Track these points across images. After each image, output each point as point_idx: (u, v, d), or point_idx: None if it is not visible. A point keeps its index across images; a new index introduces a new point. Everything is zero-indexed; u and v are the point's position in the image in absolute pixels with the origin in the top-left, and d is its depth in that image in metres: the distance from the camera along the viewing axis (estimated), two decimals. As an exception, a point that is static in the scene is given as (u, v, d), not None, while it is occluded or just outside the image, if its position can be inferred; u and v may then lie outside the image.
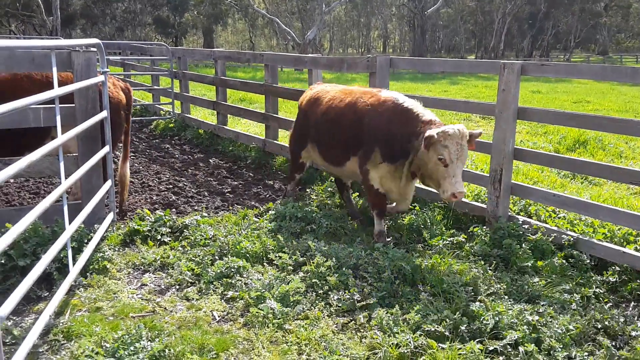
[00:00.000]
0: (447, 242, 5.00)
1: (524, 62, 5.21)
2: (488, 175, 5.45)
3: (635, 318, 3.80)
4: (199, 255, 4.65)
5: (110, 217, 5.14)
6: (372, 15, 79.40)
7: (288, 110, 14.04)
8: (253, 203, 6.65)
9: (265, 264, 4.61)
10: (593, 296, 4.10)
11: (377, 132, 5.06)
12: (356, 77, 31.58)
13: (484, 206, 5.53)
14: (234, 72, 34.37)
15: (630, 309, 3.99)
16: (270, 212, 5.82)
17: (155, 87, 12.72)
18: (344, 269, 4.34)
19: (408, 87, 23.51)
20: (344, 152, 5.45)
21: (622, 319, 3.69)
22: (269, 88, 8.29)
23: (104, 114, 4.88)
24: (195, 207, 6.43)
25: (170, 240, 5.12)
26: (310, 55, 7.68)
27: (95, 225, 4.82)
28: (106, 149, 4.96)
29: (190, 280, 4.35)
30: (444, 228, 5.38)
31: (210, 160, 8.98)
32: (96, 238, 4.51)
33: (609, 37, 76.52)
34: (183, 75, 11.04)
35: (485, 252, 4.78)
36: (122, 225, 5.37)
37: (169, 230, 5.29)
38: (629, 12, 73.85)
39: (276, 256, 4.63)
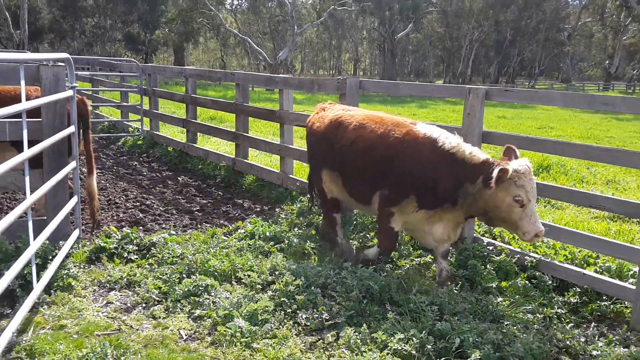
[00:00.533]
0: (415, 262, 5.08)
1: (488, 87, 5.38)
2: (455, 197, 5.55)
3: (596, 338, 3.90)
4: (167, 273, 4.60)
5: (75, 233, 5.06)
6: (344, 38, 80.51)
7: (258, 130, 14.07)
8: (222, 222, 6.63)
9: (233, 282, 4.59)
10: (555, 316, 4.21)
11: (414, 178, 4.53)
12: (327, 98, 31.84)
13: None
14: (204, 91, 34.27)
15: (591, 329, 4.11)
16: (239, 230, 5.81)
17: (124, 103, 12.62)
18: (312, 287, 4.35)
19: (377, 109, 23.77)
20: (371, 188, 4.88)
21: (583, 339, 3.79)
22: (240, 107, 8.33)
23: (72, 129, 4.83)
24: (163, 225, 6.38)
25: (137, 258, 5.06)
26: (281, 75, 7.77)
27: (61, 242, 4.73)
28: (73, 164, 4.90)
29: (157, 298, 4.30)
30: (411, 249, 5.45)
31: (179, 178, 8.92)
32: (61, 255, 4.43)
33: (572, 65, 79.23)
34: (153, 92, 10.98)
35: (451, 273, 4.86)
36: (88, 243, 5.28)
37: (136, 248, 5.22)
38: (591, 41, 76.75)
39: (245, 275, 4.63)
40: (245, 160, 8.53)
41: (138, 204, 7.34)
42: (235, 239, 5.57)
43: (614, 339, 3.85)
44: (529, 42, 65.69)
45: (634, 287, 4.19)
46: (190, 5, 52.66)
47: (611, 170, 10.91)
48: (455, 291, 4.47)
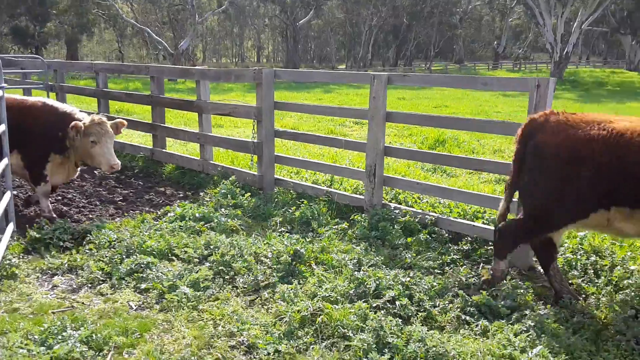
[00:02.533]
0: (333, 229, 5.74)
1: (390, 73, 6.11)
2: (364, 170, 6.27)
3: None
4: (107, 256, 4.95)
5: (10, 227, 5.24)
6: (245, 25, 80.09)
7: (171, 120, 14.19)
8: (147, 209, 6.93)
9: (172, 258, 5.02)
10: (451, 262, 5.03)
11: None
12: (233, 86, 32.00)
13: (362, 197, 6.36)
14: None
15: (480, 268, 4.95)
16: (169, 214, 6.19)
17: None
18: (246, 256, 4.89)
19: (285, 96, 24.38)
20: None
21: (473, 276, 4.62)
22: (156, 99, 8.57)
23: (3, 127, 5.00)
24: (90, 216, 6.59)
25: (73, 246, 5.33)
26: (198, 67, 8.12)
27: (-2, 235, 4.92)
28: (5, 161, 5.08)
29: (101, 278, 4.65)
30: (329, 218, 6.10)
31: (95, 171, 9.02)
32: (1, 247, 4.64)
33: (465, 47, 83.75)
34: (60, 88, 10.84)
35: (365, 235, 5.57)
36: (21, 236, 5.46)
37: (71, 236, 5.48)
38: (480, 24, 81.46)
39: (181, 251, 5.08)
40: (164, 150, 8.81)
41: (60, 197, 7.44)
42: (166, 222, 5.96)
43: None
44: (424, 26, 68.68)
45: (512, 233, 5.08)
46: (84, -5, 50.30)
47: (497, 141, 12.21)
48: (370, 248, 5.18)
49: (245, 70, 7.26)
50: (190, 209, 6.16)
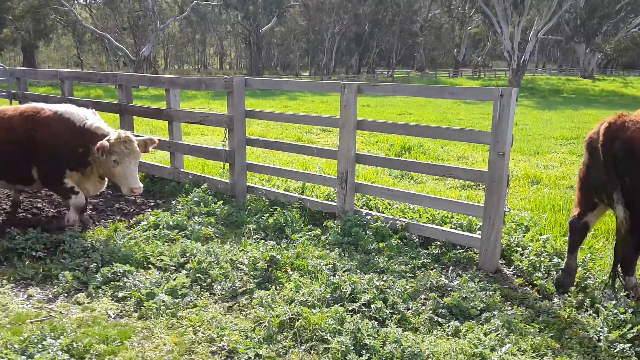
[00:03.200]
0: (307, 235, 5.85)
1: (360, 83, 6.27)
2: (336, 177, 6.42)
3: (454, 277, 4.94)
4: (83, 265, 4.94)
5: (-19, 237, 5.18)
6: (208, 32, 79.57)
7: (137, 129, 14.05)
8: (119, 218, 6.90)
9: (148, 267, 5.04)
10: (422, 265, 5.21)
11: None
12: (196, 94, 31.79)
13: (334, 203, 6.50)
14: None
15: (449, 271, 5.14)
16: (142, 222, 6.20)
17: (-11, 108, 12.02)
18: (222, 263, 4.96)
19: (250, 103, 24.38)
20: None
21: (443, 279, 4.80)
22: (125, 107, 8.51)
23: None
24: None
25: (46, 256, 5.29)
26: (167, 75, 8.12)
27: (-31, 246, 4.86)
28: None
29: (77, 287, 4.65)
30: (302, 225, 6.22)
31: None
32: (-26, 257, 4.60)
33: (426, 54, 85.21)
34: (24, 97, 10.64)
35: (338, 241, 5.71)
36: (-9, 246, 5.39)
37: (43, 246, 5.44)
38: (440, 32, 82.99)
39: (157, 259, 5.11)
40: (133, 159, 8.74)
41: (29, 207, 7.34)
42: (139, 230, 5.96)
43: (467, 276, 4.91)
44: (386, 34, 69.62)
45: (479, 236, 5.31)
46: (41, 1, 49.03)
47: (461, 148, 12.56)
48: (344, 254, 5.32)
49: (215, 78, 7.32)
50: (164, 217, 6.18)
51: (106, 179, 6.09)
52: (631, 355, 3.75)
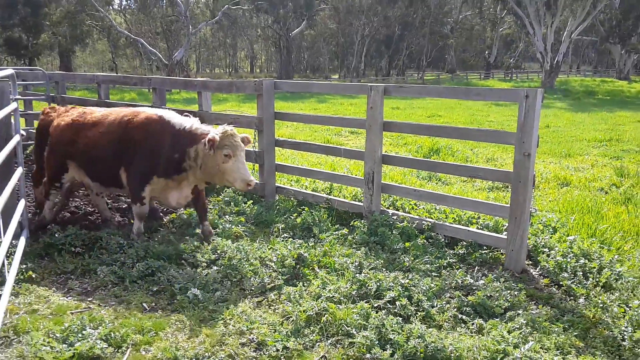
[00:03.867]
0: (334, 234, 5.97)
1: (386, 84, 6.37)
2: (363, 178, 6.52)
3: (479, 277, 4.99)
4: (119, 260, 5.16)
5: (24, 233, 5.45)
6: (239, 36, 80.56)
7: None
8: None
9: (182, 262, 5.23)
10: (447, 265, 5.27)
11: None
12: (227, 97, 32.27)
13: (361, 204, 6.61)
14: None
15: (475, 271, 5.20)
16: (175, 221, 6.41)
17: (29, 112, 12.49)
18: (252, 260, 5.12)
19: (281, 105, 24.64)
20: None
21: (469, 278, 4.86)
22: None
23: (18, 137, 5.23)
24: (97, 223, 6.79)
25: (84, 251, 5.53)
26: (200, 79, 8.34)
27: (13, 241, 5.12)
28: (20, 170, 5.30)
29: (114, 281, 4.86)
30: (329, 224, 6.34)
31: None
32: (19, 252, 4.85)
33: (456, 56, 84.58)
34: (62, 100, 11.05)
35: (365, 240, 5.81)
36: (34, 242, 5.66)
37: (82, 242, 5.69)
38: (472, 34, 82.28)
39: (190, 256, 5.30)
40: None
41: (68, 206, 7.64)
42: (173, 228, 6.18)
43: (493, 276, 4.95)
44: (416, 36, 69.39)
45: (505, 237, 5.35)
46: (77, 7, 50.44)
47: (490, 150, 12.52)
48: (370, 252, 5.43)
49: (246, 81, 7.51)
50: (196, 215, 6.37)
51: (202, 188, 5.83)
52: (656, 354, 3.77)
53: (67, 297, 4.60)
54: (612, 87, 49.55)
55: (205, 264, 5.17)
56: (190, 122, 5.52)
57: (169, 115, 5.66)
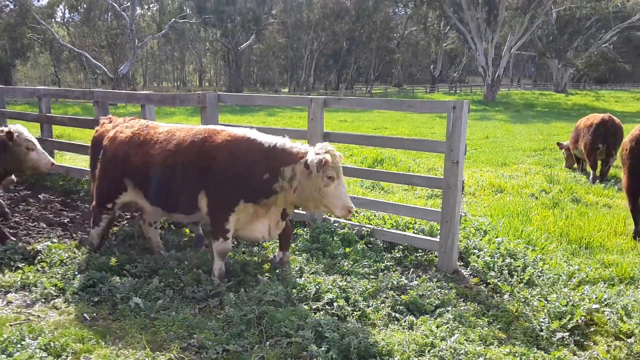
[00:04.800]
0: (277, 243, 6.12)
1: (325, 97, 6.63)
2: (305, 187, 6.71)
3: (414, 277, 5.25)
4: (60, 273, 5.16)
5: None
6: (186, 49, 79.91)
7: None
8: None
9: (124, 273, 5.27)
10: (385, 268, 5.52)
11: None
12: (175, 110, 32.00)
13: (304, 212, 6.79)
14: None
15: (410, 273, 5.46)
16: (118, 233, 6.42)
17: (-35, 126, 12.13)
18: (194, 269, 5.21)
19: (228, 119, 24.67)
20: None
21: (404, 279, 5.12)
22: (102, 123, 8.74)
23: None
24: (38, 238, 6.71)
25: (24, 265, 5.48)
26: (143, 92, 8.38)
27: (-51, 257, 5.05)
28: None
29: (55, 293, 4.86)
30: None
31: (39, 196, 9.05)
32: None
33: (403, 70, 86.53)
34: (1, 114, 10.82)
35: (307, 247, 6.00)
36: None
37: (22, 256, 5.64)
38: (417, 48, 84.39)
39: (132, 266, 5.34)
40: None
41: (6, 222, 7.50)
42: (116, 240, 6.20)
43: (426, 277, 5.23)
44: (363, 51, 70.65)
45: (438, 240, 5.65)
46: (18, 20, 48.97)
47: (432, 160, 12.98)
48: (312, 259, 5.62)
49: (189, 94, 7.61)
50: (139, 228, 6.41)
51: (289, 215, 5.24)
52: (570, 342, 4.10)
53: (6, 310, 4.57)
54: (550, 99, 51.90)
55: (147, 274, 5.24)
56: (281, 140, 4.91)
57: (254, 133, 5.04)
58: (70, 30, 63.12)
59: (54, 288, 4.91)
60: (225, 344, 3.96)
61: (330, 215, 6.92)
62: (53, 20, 59.45)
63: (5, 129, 6.15)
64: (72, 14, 63.15)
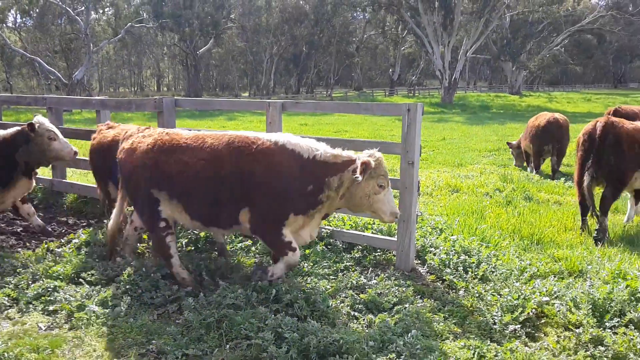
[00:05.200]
0: (237, 247, 6.13)
1: (284, 100, 6.66)
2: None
3: (373, 277, 5.34)
4: (13, 282, 5.03)
5: None
6: (144, 54, 78.69)
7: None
8: (50, 239, 6.96)
9: (80, 281, 5.18)
10: (344, 268, 5.59)
11: None
12: (132, 116, 31.46)
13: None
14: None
15: (369, 272, 5.55)
16: (74, 241, 6.30)
17: None
18: (152, 275, 5.16)
19: (188, 124, 24.43)
20: None
21: (362, 278, 5.20)
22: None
23: None
24: (-9, 249, 6.53)
25: (-25, 276, 5.33)
26: (98, 97, 8.25)
27: None
28: None
29: (8, 303, 4.74)
30: (234, 237, 6.48)
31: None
32: None
33: (363, 74, 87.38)
34: (-52, 121, 10.46)
35: (267, 250, 6.01)
36: None
37: (-27, 267, 5.48)
38: (376, 52, 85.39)
39: (89, 274, 5.25)
40: (64, 181, 8.79)
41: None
42: (71, 248, 6.08)
43: (385, 276, 5.32)
44: (323, 55, 71.07)
45: (396, 239, 5.76)
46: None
47: (391, 162, 13.15)
48: (271, 262, 5.64)
49: (145, 99, 7.54)
50: (96, 234, 6.31)
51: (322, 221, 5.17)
52: (521, 334, 4.25)
53: (-45, 323, 4.44)
54: (505, 101, 53.27)
55: (104, 281, 5.16)
56: (321, 148, 4.75)
57: (291, 140, 4.78)
58: (23, 35, 61.38)
59: (7, 298, 4.80)
60: (185, 349, 3.94)
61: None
62: (4, 25, 57.65)
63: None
64: (24, 19, 61.41)
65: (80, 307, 4.58)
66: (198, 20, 58.77)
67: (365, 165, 4.48)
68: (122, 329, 4.28)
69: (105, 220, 7.38)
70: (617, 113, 10.43)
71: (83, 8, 50.31)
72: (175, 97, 7.20)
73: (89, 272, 5.29)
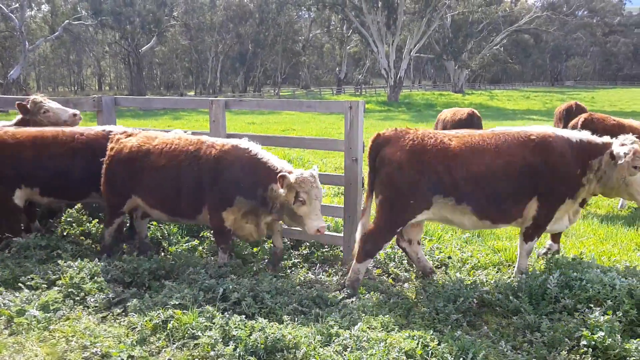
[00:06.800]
0: (184, 247, 6.06)
1: (227, 98, 6.63)
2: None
3: (320, 272, 5.41)
4: (-55, 290, 4.82)
5: None
6: (83, 52, 76.07)
7: None
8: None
9: (19, 286, 5.00)
10: (293, 265, 5.64)
11: None
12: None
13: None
14: None
15: (317, 268, 5.62)
16: (11, 246, 6.07)
17: None
18: (96, 277, 5.05)
19: (131, 123, 23.83)
20: None
21: (310, 275, 5.26)
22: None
23: None
24: None
25: None
26: (33, 97, 7.94)
27: None
28: None
29: (-59, 312, 4.54)
30: (180, 237, 6.42)
31: None
32: None
33: (310, 73, 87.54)
34: None
35: (215, 249, 5.98)
36: None
37: None
38: (322, 51, 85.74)
39: (28, 279, 5.08)
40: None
41: None
42: (8, 253, 5.86)
43: (332, 271, 5.41)
44: (269, 53, 70.66)
45: (342, 235, 5.85)
46: None
47: (339, 160, 13.30)
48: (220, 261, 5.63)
49: (84, 98, 7.34)
50: (35, 237, 6.10)
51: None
52: (463, 323, 4.41)
53: None
54: (449, 99, 54.53)
55: (45, 286, 5.01)
56: (585, 134, 4.99)
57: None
58: (-50, 32, 58.20)
59: (-62, 307, 4.59)
60: (130, 350, 3.89)
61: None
62: None
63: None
64: (-48, 15, 58.21)
65: (20, 312, 4.44)
66: (139, 17, 57.36)
67: (634, 152, 4.68)
68: (64, 332, 4.18)
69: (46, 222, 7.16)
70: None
71: (17, 4, 48.17)
72: (114, 96, 7.04)
73: (29, 277, 5.12)
